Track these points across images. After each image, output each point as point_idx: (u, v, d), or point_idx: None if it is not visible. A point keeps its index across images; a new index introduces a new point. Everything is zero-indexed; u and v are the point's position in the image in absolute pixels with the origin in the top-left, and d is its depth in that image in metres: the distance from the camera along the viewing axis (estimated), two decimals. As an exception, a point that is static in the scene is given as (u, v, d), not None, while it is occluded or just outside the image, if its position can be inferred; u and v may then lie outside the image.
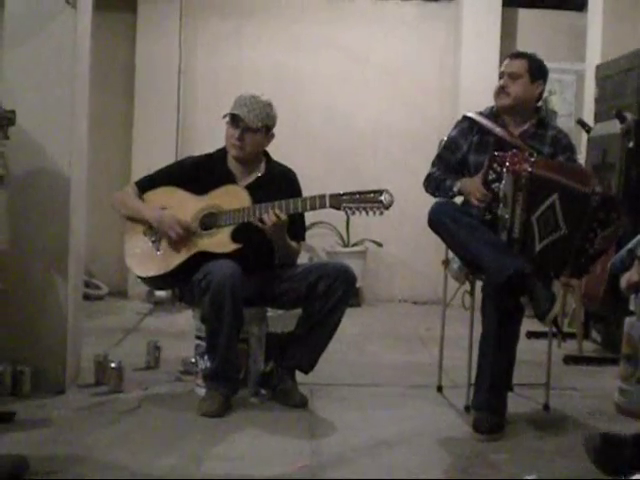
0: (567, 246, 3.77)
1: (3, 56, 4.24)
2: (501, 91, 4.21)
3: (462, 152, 4.25)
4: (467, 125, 4.30)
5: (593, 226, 3.75)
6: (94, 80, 4.80)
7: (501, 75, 4.24)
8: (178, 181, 4.27)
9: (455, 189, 4.08)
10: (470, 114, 4.32)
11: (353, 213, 4.00)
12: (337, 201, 3.98)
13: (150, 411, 4.05)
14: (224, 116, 4.24)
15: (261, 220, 4.03)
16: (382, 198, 3.91)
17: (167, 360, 4.88)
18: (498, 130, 4.18)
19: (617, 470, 3.07)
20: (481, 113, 4.30)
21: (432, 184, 4.25)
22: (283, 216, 4.02)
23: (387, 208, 3.93)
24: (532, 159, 3.85)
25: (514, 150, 3.96)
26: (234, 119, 4.22)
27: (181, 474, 3.24)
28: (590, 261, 3.88)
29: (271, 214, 4.01)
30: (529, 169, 3.78)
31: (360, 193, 3.96)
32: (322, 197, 4.00)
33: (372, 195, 3.93)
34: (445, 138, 4.38)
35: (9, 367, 4.13)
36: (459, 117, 4.47)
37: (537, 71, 4.22)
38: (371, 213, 3.95)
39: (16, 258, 4.18)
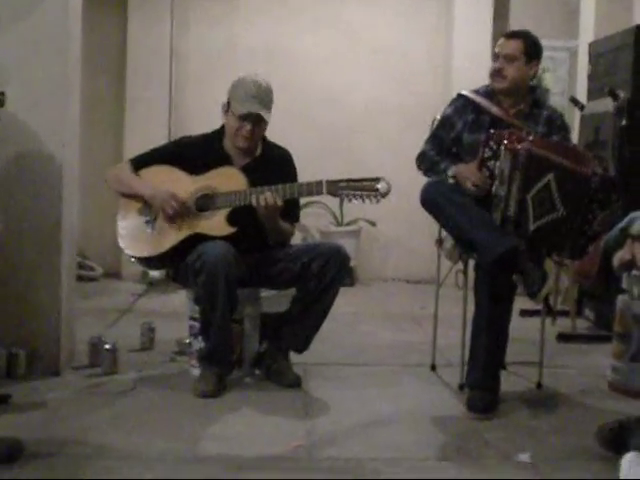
0: (566, 227, 3.77)
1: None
2: (497, 74, 4.16)
3: (457, 131, 4.23)
4: (462, 103, 4.27)
5: (592, 207, 3.74)
6: (85, 61, 4.79)
7: (496, 56, 4.19)
8: (173, 160, 4.25)
9: (450, 173, 4.05)
10: (465, 92, 4.29)
11: (350, 200, 4.00)
12: (334, 188, 3.98)
13: (145, 392, 4.06)
14: (240, 115, 4.16)
15: (257, 203, 4.03)
16: (379, 186, 3.92)
17: (161, 341, 4.89)
18: (494, 109, 4.16)
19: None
20: (476, 91, 4.27)
21: (426, 163, 4.24)
22: (279, 202, 4.02)
23: (384, 196, 3.94)
24: (530, 137, 3.84)
25: (512, 128, 3.96)
26: (246, 117, 4.19)
27: (176, 454, 3.25)
28: (589, 242, 3.87)
29: (268, 198, 4.00)
30: (527, 147, 3.77)
31: (357, 180, 3.96)
32: (319, 183, 4.00)
33: (369, 183, 3.94)
34: (439, 116, 4.37)
35: (3, 350, 4.13)
36: (452, 95, 4.45)
37: (532, 51, 4.18)
38: (367, 201, 3.96)
39: (8, 240, 4.16)
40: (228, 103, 4.24)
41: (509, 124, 4.05)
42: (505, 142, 3.82)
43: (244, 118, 4.18)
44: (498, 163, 3.84)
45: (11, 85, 4.05)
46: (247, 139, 4.22)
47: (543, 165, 3.76)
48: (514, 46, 4.16)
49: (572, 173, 3.74)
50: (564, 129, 4.23)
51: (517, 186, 3.78)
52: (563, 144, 4.07)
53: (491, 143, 3.89)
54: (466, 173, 3.96)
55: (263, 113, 4.18)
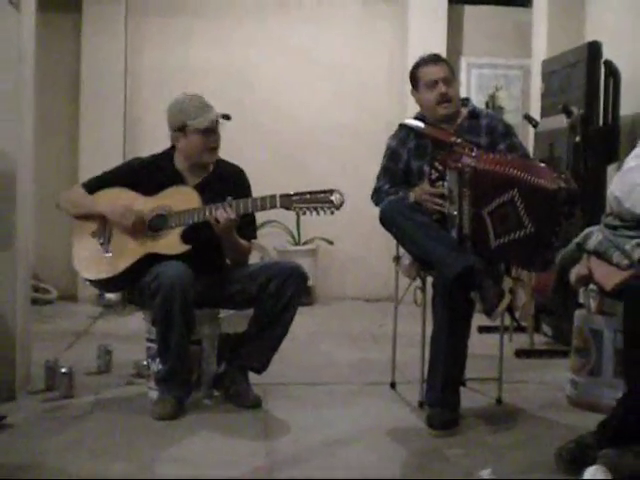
0: (535, 243, 3.75)
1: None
2: (444, 99, 4.14)
3: (404, 161, 4.24)
4: (404, 133, 4.29)
5: (559, 220, 3.73)
6: (39, 82, 4.74)
7: (433, 82, 4.15)
8: (126, 182, 4.24)
9: (411, 200, 4.04)
10: (406, 121, 4.31)
11: (304, 213, 4.00)
12: (288, 201, 3.97)
13: (102, 416, 4.01)
14: (207, 127, 4.17)
15: (215, 219, 4.01)
16: (333, 198, 3.92)
17: (119, 364, 4.84)
18: (434, 132, 4.16)
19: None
20: (415, 118, 4.29)
21: (381, 196, 4.20)
22: (233, 215, 4.00)
23: (338, 208, 3.94)
24: (473, 154, 3.85)
25: (454, 147, 3.96)
26: (211, 127, 4.19)
27: (135, 478, 3.20)
28: (555, 254, 3.88)
29: (222, 213, 3.99)
30: (471, 164, 3.77)
31: (311, 193, 3.96)
32: (273, 197, 3.99)
33: (323, 195, 3.94)
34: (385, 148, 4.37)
35: (-43, 375, 4.07)
36: (407, 114, 4.46)
37: (453, 70, 4.30)
38: (322, 213, 3.96)
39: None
40: (182, 127, 4.21)
41: (452, 144, 4.05)
42: (448, 162, 3.84)
43: (210, 129, 4.19)
44: (446, 183, 3.86)
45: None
46: (213, 150, 4.25)
47: (500, 181, 3.75)
48: (446, 68, 4.21)
49: (538, 189, 3.69)
50: (508, 134, 4.22)
51: (468, 203, 3.77)
52: (522, 159, 4.05)
53: (436, 164, 3.92)
54: (423, 195, 3.96)
55: (220, 119, 4.21)
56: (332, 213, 3.96)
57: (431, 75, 4.18)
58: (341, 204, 3.94)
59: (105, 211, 4.15)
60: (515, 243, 3.73)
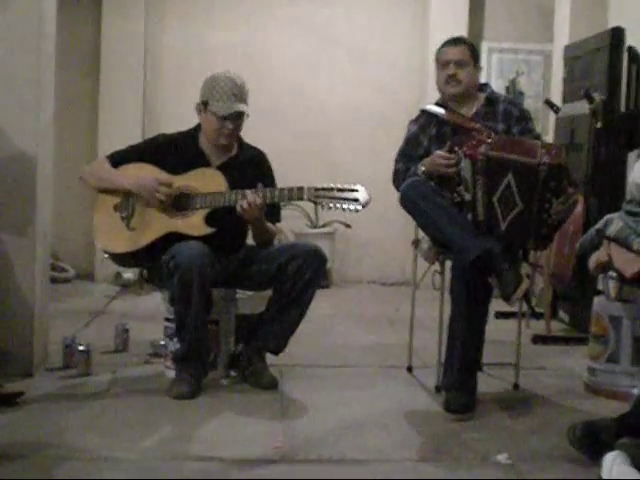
0: (526, 219, 3.78)
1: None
2: (451, 79, 4.18)
3: (424, 147, 4.24)
4: (425, 119, 4.30)
5: (547, 196, 3.75)
6: (59, 58, 4.74)
7: (445, 63, 4.19)
8: (150, 158, 4.22)
9: (420, 170, 4.06)
10: (427, 107, 4.33)
11: (329, 208, 4.01)
12: (314, 195, 3.99)
13: (119, 394, 4.03)
14: (223, 116, 4.14)
15: (240, 206, 4.01)
16: (359, 196, 3.94)
17: (136, 343, 4.85)
18: (454, 117, 4.17)
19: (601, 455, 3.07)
20: (437, 104, 4.29)
21: (400, 178, 4.24)
22: (260, 201, 4.00)
23: (363, 206, 3.95)
24: (489, 140, 3.85)
25: (472, 133, 3.96)
26: (228, 117, 4.16)
27: (151, 456, 3.22)
28: (552, 231, 3.89)
29: (249, 198, 3.99)
30: (485, 152, 3.78)
31: (339, 189, 3.98)
32: (300, 190, 4.01)
33: (349, 192, 3.96)
34: (405, 133, 4.37)
35: (-24, 351, 4.09)
36: (428, 99, 4.45)
37: (476, 55, 4.29)
38: (347, 210, 3.96)
39: (-19, 240, 4.13)
40: (204, 103, 4.20)
41: (470, 129, 4.05)
42: (464, 149, 3.85)
43: (226, 118, 4.16)
44: (461, 170, 3.87)
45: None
46: (229, 136, 4.22)
47: (502, 166, 3.79)
48: (462, 51, 4.21)
49: (524, 166, 3.76)
50: (523, 119, 4.24)
51: (482, 191, 3.81)
52: (514, 139, 4.06)
53: (456, 149, 3.92)
54: (434, 158, 3.99)
55: (245, 109, 4.18)
56: (357, 211, 3.97)
57: (445, 56, 4.23)
58: (367, 203, 3.96)
59: (132, 186, 4.14)
60: (513, 222, 3.78)
